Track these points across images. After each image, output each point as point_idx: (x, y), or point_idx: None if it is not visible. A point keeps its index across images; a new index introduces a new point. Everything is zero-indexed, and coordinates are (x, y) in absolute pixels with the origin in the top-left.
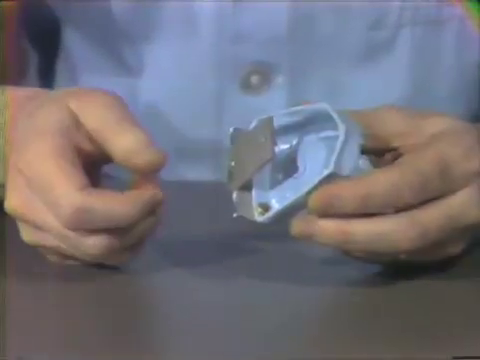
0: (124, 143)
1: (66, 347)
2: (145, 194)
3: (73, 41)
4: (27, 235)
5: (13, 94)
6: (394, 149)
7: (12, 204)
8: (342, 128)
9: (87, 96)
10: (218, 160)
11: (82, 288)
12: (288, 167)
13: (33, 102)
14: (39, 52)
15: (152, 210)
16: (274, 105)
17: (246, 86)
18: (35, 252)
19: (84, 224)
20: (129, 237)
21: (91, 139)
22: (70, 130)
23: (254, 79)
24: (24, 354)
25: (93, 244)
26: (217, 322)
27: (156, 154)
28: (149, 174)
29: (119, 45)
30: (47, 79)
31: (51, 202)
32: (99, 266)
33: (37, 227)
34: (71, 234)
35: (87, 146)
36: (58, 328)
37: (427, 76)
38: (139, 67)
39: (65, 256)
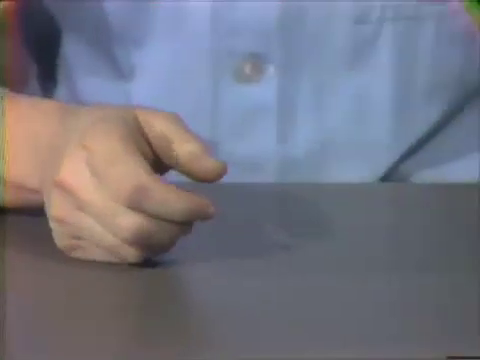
0: (189, 147)
1: (66, 347)
2: (201, 200)
3: (69, 45)
4: (58, 209)
5: (51, 104)
6: None
7: (63, 175)
8: None
9: (151, 110)
10: (214, 151)
11: (82, 288)
12: None
13: (81, 108)
14: (38, 62)
15: (196, 219)
16: (267, 93)
17: (239, 76)
18: (36, 252)
19: (139, 203)
20: (162, 234)
21: (152, 146)
22: (133, 129)
23: (247, 69)
24: (24, 354)
25: (131, 222)
26: (216, 321)
27: (219, 162)
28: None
29: (113, 45)
30: (47, 89)
31: (114, 175)
32: (100, 267)
33: (76, 201)
34: (112, 209)
35: (146, 150)
36: (58, 328)
37: (407, 73)
38: (133, 67)
39: (79, 242)
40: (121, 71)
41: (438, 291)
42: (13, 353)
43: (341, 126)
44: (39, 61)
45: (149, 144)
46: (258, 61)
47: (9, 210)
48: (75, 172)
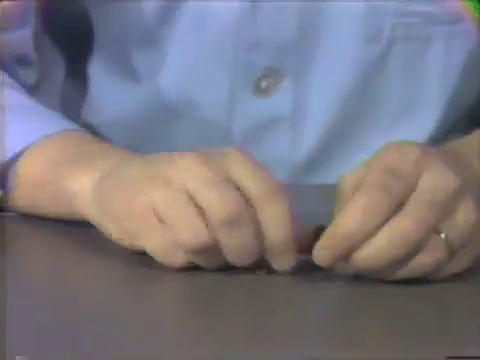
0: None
1: (66, 347)
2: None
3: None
4: (158, 240)
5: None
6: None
7: (158, 199)
8: None
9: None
10: None
11: (82, 288)
12: None
13: None
14: (68, 55)
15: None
16: (281, 105)
17: (256, 88)
18: (35, 252)
19: (275, 203)
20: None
21: None
22: None
23: (263, 82)
24: (24, 354)
25: (249, 234)
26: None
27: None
28: None
29: (133, 50)
30: (77, 81)
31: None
32: (99, 267)
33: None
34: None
35: None
36: (59, 328)
37: (414, 93)
38: (152, 71)
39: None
40: (139, 75)
41: (437, 292)
42: (13, 352)
43: (347, 135)
44: (69, 54)
45: None
46: (274, 74)
47: (8, 211)
48: (174, 198)
